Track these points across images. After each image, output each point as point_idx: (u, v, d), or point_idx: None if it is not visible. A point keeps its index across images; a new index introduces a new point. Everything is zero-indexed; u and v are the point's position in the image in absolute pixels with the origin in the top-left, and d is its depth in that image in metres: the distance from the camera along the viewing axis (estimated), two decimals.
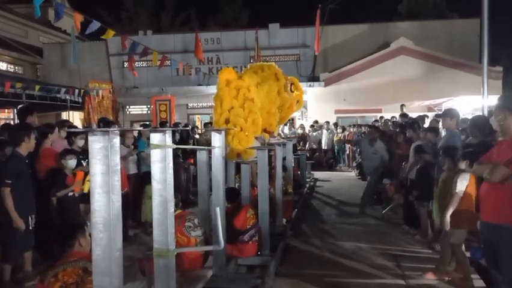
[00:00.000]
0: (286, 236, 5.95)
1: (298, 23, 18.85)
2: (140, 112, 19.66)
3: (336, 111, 17.53)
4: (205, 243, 4.05)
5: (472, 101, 11.54)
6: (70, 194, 5.08)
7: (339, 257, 5.47)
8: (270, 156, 6.06)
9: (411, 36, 17.04)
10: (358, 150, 13.65)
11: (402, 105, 13.94)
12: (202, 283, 3.89)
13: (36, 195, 4.73)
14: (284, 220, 6.36)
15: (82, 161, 5.53)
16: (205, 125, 13.17)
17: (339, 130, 15.88)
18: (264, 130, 5.92)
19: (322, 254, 5.61)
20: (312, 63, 18.43)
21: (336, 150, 15.92)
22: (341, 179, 12.34)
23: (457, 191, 4.27)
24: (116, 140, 2.05)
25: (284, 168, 7.11)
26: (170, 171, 2.72)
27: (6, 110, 15.15)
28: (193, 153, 8.47)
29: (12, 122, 12.31)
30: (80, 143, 5.67)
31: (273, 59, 16.70)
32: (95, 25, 7.26)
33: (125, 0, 30.21)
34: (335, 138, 15.72)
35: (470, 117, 6.83)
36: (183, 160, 9.05)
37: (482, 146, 4.48)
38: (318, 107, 17.42)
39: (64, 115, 15.24)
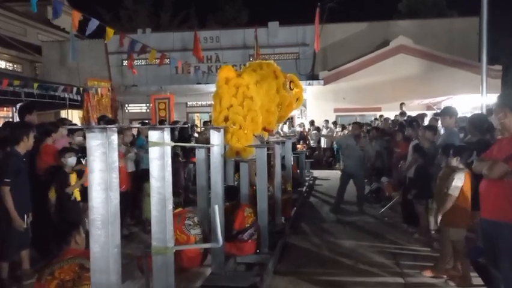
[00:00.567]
0: (285, 234, 5.95)
1: (298, 22, 18.84)
2: (139, 110, 19.65)
3: (336, 110, 17.53)
4: (204, 242, 4.05)
5: (471, 100, 11.55)
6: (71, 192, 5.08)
7: (338, 255, 5.48)
8: (269, 155, 6.06)
9: (411, 35, 17.04)
10: None
11: (401, 104, 13.95)
12: (201, 281, 3.89)
13: (35, 193, 4.72)
14: (283, 218, 6.36)
15: (82, 159, 5.54)
16: (205, 123, 13.16)
17: (339, 129, 15.88)
18: (263, 128, 5.92)
19: (321, 252, 5.62)
20: (312, 62, 18.42)
21: (335, 149, 15.93)
22: None
23: (450, 192, 4.27)
24: (114, 137, 2.04)
25: (283, 166, 7.10)
26: (169, 168, 2.72)
27: (5, 108, 15.12)
28: (194, 152, 8.47)
29: (11, 120, 12.28)
30: (78, 140, 5.67)
31: (272, 57, 16.71)
32: (93, 23, 7.25)
33: None
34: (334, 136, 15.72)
35: (469, 115, 6.83)
36: (186, 159, 9.04)
37: (480, 144, 4.49)
38: (317, 106, 17.42)
39: (63, 113, 15.22)
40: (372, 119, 14.94)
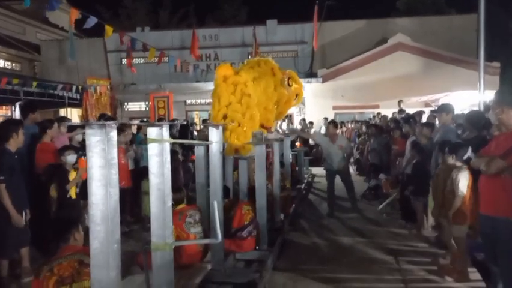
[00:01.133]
0: (284, 231, 5.98)
1: (296, 20, 18.85)
2: (138, 109, 19.65)
3: (334, 108, 17.55)
4: None
5: (468, 97, 11.57)
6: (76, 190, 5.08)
7: (336, 251, 5.51)
8: (267, 152, 6.08)
9: (409, 33, 17.05)
10: (355, 146, 13.69)
11: (399, 101, 13.96)
12: (200, 277, 3.92)
13: (35, 191, 4.74)
14: (282, 215, 6.39)
15: (82, 157, 5.54)
16: (204, 121, 13.17)
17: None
18: (261, 126, 5.94)
19: (319, 249, 5.65)
20: (310, 60, 18.44)
21: None
22: None
23: (459, 193, 4.28)
24: (114, 134, 2.06)
25: (281, 164, 7.12)
26: (168, 165, 2.74)
27: (4, 107, 15.11)
28: (193, 150, 8.47)
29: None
30: (78, 138, 5.69)
31: (271, 55, 16.70)
32: (92, 20, 7.24)
33: None
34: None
35: (466, 112, 6.85)
36: (184, 157, 9.05)
37: (477, 140, 4.51)
38: (316, 103, 17.43)
39: (62, 112, 15.22)
40: (371, 116, 14.97)
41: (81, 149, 5.49)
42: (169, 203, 2.78)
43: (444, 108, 5.60)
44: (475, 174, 3.82)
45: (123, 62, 18.28)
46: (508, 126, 3.33)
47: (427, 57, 16.64)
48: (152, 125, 2.70)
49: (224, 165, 5.42)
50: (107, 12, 29.41)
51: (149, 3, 30.82)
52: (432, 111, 7.78)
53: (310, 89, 17.07)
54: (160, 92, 16.84)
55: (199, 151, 4.75)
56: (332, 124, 7.99)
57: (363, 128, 12.80)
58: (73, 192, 5.02)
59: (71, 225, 2.88)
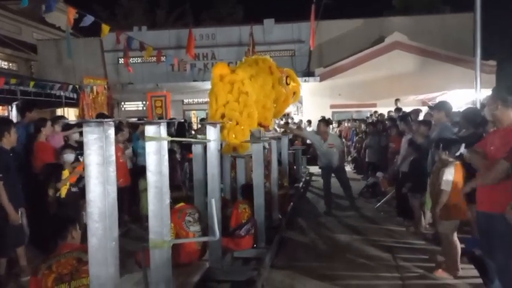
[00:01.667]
0: (282, 229, 5.99)
1: (293, 19, 18.88)
2: (135, 108, 19.64)
3: (332, 106, 17.59)
4: None
5: (465, 95, 11.60)
6: (73, 189, 5.08)
7: (334, 249, 5.54)
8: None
9: (406, 31, 17.10)
10: (353, 144, 13.72)
11: (396, 100, 14.00)
12: (199, 275, 3.92)
13: (33, 190, 4.73)
14: (280, 214, 6.40)
15: (79, 156, 5.55)
16: (201, 120, 13.16)
17: (335, 125, 15.92)
18: (259, 124, 5.94)
19: (317, 246, 5.67)
20: (307, 59, 18.46)
21: None
22: None
23: (443, 188, 4.32)
24: (111, 131, 2.07)
25: (279, 162, 7.13)
26: (166, 163, 2.74)
27: (1, 107, 15.07)
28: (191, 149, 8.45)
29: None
30: (75, 137, 5.69)
31: (268, 54, 16.67)
32: (89, 19, 7.24)
33: None
34: (331, 132, 15.75)
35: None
36: (182, 156, 9.04)
37: (473, 137, 4.53)
38: (313, 102, 17.47)
39: (59, 111, 15.20)
40: (368, 115, 15.00)
41: (79, 148, 5.50)
42: (167, 200, 2.79)
43: (437, 106, 5.64)
44: (470, 170, 3.83)
45: (120, 62, 18.28)
46: (502, 123, 3.36)
47: (424, 55, 16.69)
48: (150, 123, 2.71)
49: (222, 163, 5.44)
50: (104, 11, 29.35)
51: (146, 2, 30.80)
52: (429, 108, 7.80)
53: (308, 88, 17.09)
54: (157, 91, 16.81)
55: (197, 149, 4.76)
56: (323, 122, 7.93)
57: (362, 126, 12.82)
58: (63, 192, 5.00)
59: (68, 223, 2.88)
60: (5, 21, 20.71)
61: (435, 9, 25.29)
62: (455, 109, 6.06)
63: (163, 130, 2.70)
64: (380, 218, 7.09)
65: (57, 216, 4.54)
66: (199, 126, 12.71)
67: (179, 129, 10.21)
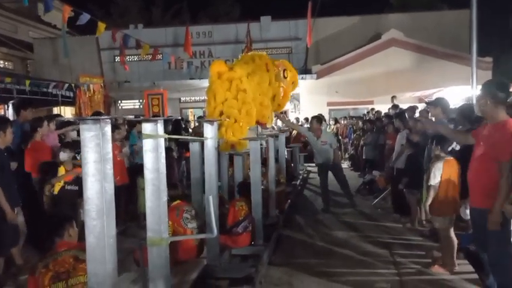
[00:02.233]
0: (280, 226, 6.01)
1: (290, 16, 18.85)
2: (132, 107, 19.61)
3: (329, 104, 17.61)
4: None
5: (461, 92, 11.64)
6: (69, 187, 5.07)
7: (331, 245, 5.55)
8: (262, 149, 6.10)
9: (403, 28, 17.12)
10: (350, 141, 13.75)
11: (393, 97, 14.01)
12: (197, 272, 3.93)
13: (28, 189, 4.72)
14: (277, 211, 6.41)
15: (76, 155, 5.53)
16: (199, 118, 13.15)
17: (332, 122, 15.95)
18: (257, 122, 5.94)
19: (315, 243, 5.68)
20: (304, 56, 18.46)
21: None
22: None
23: (431, 183, 4.35)
24: (108, 129, 2.07)
25: (276, 160, 7.14)
26: (163, 160, 2.75)
27: None
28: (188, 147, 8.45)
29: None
30: (73, 135, 5.68)
31: (265, 52, 16.70)
32: (85, 18, 7.22)
33: None
34: (327, 130, 15.76)
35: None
36: (179, 154, 9.04)
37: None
38: (310, 100, 17.48)
39: (56, 110, 15.16)
40: (365, 112, 15.03)
41: (76, 147, 5.48)
42: (164, 198, 2.79)
43: (433, 102, 5.66)
44: (463, 165, 3.85)
45: (116, 60, 18.22)
46: (492, 119, 3.35)
47: (420, 52, 16.73)
48: (147, 121, 2.71)
49: (219, 161, 5.44)
50: (100, 10, 29.23)
51: (141, 0, 30.69)
52: (426, 104, 7.81)
53: (305, 85, 17.10)
54: (154, 89, 16.80)
55: (194, 147, 4.77)
56: (316, 119, 7.90)
57: (359, 123, 12.84)
58: (56, 188, 4.99)
59: (65, 221, 2.88)
60: (1, 20, 20.62)
61: (431, 6, 25.30)
62: (451, 106, 6.07)
63: (160, 128, 2.70)
64: (377, 215, 7.11)
65: (53, 215, 4.52)
66: (196, 124, 12.69)
67: (176, 127, 10.20)
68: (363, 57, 17.12)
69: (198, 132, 10.43)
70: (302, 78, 16.68)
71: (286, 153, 9.48)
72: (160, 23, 27.83)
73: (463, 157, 4.04)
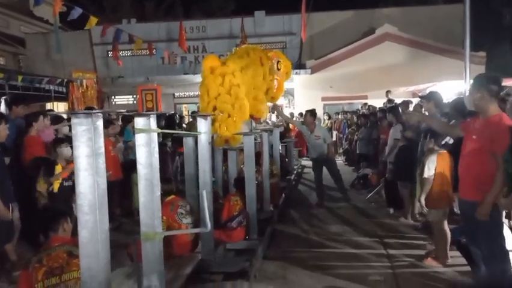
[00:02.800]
0: (274, 221, 6.02)
1: (284, 11, 18.79)
2: (126, 102, 19.51)
3: (323, 99, 17.60)
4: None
5: (455, 86, 11.68)
6: (66, 183, 5.04)
7: (325, 239, 5.58)
8: (256, 144, 6.09)
9: (396, 23, 17.12)
10: (344, 136, 13.78)
11: (387, 92, 14.06)
12: (191, 267, 3.93)
13: (22, 185, 4.69)
14: (271, 206, 6.42)
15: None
16: (193, 113, 13.10)
17: (326, 117, 15.97)
18: (251, 116, 5.93)
19: (309, 237, 5.71)
20: (299, 51, 18.42)
21: None
22: None
23: (425, 176, 4.39)
24: (100, 123, 2.06)
25: (270, 155, 7.14)
26: (156, 155, 2.74)
27: None
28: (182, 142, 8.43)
29: None
30: (65, 130, 5.65)
31: (259, 46, 16.69)
32: (76, 12, 7.16)
33: None
34: (322, 125, 15.80)
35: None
36: (173, 149, 9.01)
37: None
38: (304, 95, 17.46)
39: (48, 106, 15.04)
40: (359, 107, 15.05)
41: (70, 142, 5.45)
42: (158, 192, 2.79)
43: (426, 97, 5.68)
44: (457, 158, 3.87)
45: (109, 55, 18.09)
46: (486, 113, 3.33)
47: (414, 47, 16.75)
48: (140, 115, 2.70)
49: (213, 156, 5.44)
50: (92, 5, 28.94)
51: None
52: (419, 97, 7.83)
53: (299, 80, 17.09)
54: (147, 84, 16.70)
55: (188, 142, 4.76)
56: (309, 113, 7.90)
57: (354, 118, 12.87)
58: (56, 186, 4.97)
59: (59, 215, 2.87)
60: None
61: (425, 1, 25.31)
62: (444, 100, 6.10)
63: (152, 122, 2.69)
64: (371, 209, 7.15)
65: (48, 209, 4.51)
66: (190, 119, 12.64)
67: (169, 123, 10.17)
68: (357, 52, 17.12)
69: (193, 128, 10.39)
70: (296, 73, 16.68)
71: (280, 148, 9.49)
72: (153, 17, 27.62)
73: (456, 150, 4.06)
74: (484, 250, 3.45)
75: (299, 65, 17.85)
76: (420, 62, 16.21)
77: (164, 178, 3.86)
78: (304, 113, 8.42)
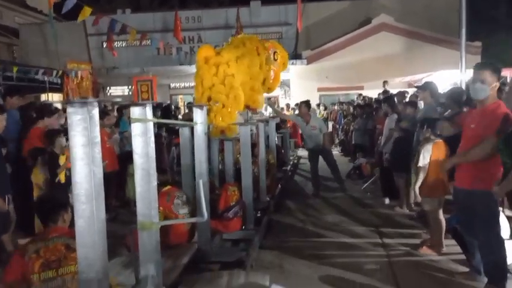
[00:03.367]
0: (270, 211, 6.04)
1: (280, 1, 18.68)
2: (121, 93, 19.41)
3: (319, 89, 17.59)
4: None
5: (451, 76, 11.70)
6: (69, 174, 5.02)
7: (321, 229, 5.61)
8: (252, 134, 6.08)
9: (393, 13, 17.07)
10: (340, 127, 13.79)
11: (384, 82, 14.05)
12: (188, 257, 3.94)
13: (19, 175, 4.69)
14: (268, 196, 6.43)
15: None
16: (189, 104, 13.07)
17: (322, 108, 15.96)
18: (247, 107, 5.92)
19: (305, 227, 5.74)
20: (295, 41, 18.36)
21: None
22: None
23: (420, 164, 4.42)
24: (95, 112, 2.05)
25: (266, 146, 7.14)
26: (152, 145, 2.73)
27: None
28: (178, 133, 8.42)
29: None
30: (60, 121, 5.63)
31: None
32: (70, 2, 7.09)
33: None
34: (317, 116, 15.80)
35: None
36: (169, 140, 9.00)
37: (459, 117, 4.58)
38: (300, 85, 17.44)
39: (43, 97, 14.95)
40: (355, 97, 15.05)
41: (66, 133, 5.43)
42: (154, 182, 2.78)
43: (422, 86, 5.69)
44: (452, 147, 3.89)
45: (104, 46, 17.94)
46: (485, 100, 3.36)
47: (410, 37, 16.74)
48: (135, 105, 2.68)
49: (210, 146, 5.43)
50: None
51: None
52: (416, 88, 7.84)
53: (295, 70, 17.04)
54: (143, 75, 16.62)
55: (184, 133, 4.74)
56: (304, 104, 7.92)
57: (350, 109, 12.87)
58: (62, 177, 4.97)
59: (59, 206, 2.85)
60: None
61: None
62: (440, 90, 6.11)
63: (148, 111, 2.68)
64: (366, 198, 7.19)
65: (47, 200, 4.50)
66: (187, 110, 12.62)
67: (165, 113, 10.15)
68: (353, 42, 17.08)
69: (189, 119, 10.36)
70: (292, 63, 16.63)
71: (276, 139, 9.49)
72: (148, 8, 27.37)
73: (452, 140, 4.08)
74: (480, 239, 3.47)
75: (295, 56, 17.81)
76: (416, 52, 16.20)
77: (160, 168, 3.86)
78: (299, 104, 8.43)
